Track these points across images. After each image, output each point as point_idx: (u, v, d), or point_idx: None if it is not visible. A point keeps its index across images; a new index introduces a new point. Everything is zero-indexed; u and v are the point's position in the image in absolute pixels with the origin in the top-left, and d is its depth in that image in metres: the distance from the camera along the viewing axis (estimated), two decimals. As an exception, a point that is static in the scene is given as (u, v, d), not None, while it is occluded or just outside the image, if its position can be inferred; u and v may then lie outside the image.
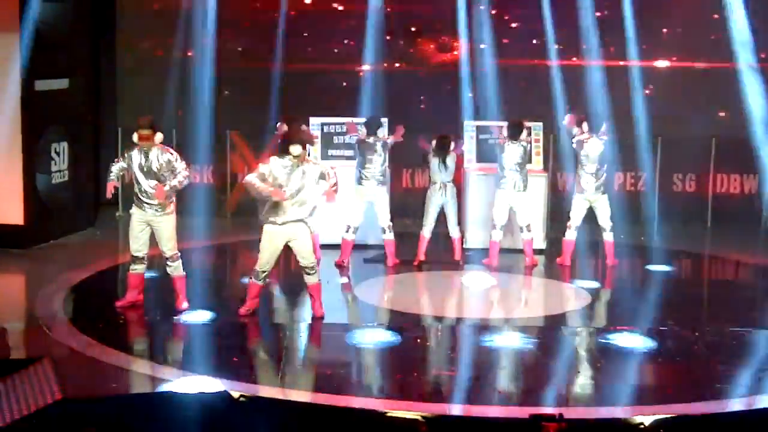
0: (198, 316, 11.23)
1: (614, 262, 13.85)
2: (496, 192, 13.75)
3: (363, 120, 14.08)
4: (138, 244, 11.31)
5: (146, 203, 11.16)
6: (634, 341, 10.78)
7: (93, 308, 11.90)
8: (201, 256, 14.52)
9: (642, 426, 7.83)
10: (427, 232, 13.89)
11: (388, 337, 10.85)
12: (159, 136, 11.12)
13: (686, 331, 11.09)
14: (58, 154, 15.23)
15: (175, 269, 11.37)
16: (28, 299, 12.34)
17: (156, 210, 11.16)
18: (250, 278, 11.20)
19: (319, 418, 8.06)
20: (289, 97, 16.82)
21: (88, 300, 12.29)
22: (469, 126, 15.13)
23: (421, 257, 13.94)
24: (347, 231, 13.70)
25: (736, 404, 8.91)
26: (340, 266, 13.63)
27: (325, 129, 14.87)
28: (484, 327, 11.31)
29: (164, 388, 9.04)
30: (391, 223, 13.80)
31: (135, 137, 11.10)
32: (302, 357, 10.65)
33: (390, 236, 13.80)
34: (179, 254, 11.39)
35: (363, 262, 13.99)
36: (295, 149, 10.78)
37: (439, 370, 10.15)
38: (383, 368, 10.24)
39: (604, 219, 13.72)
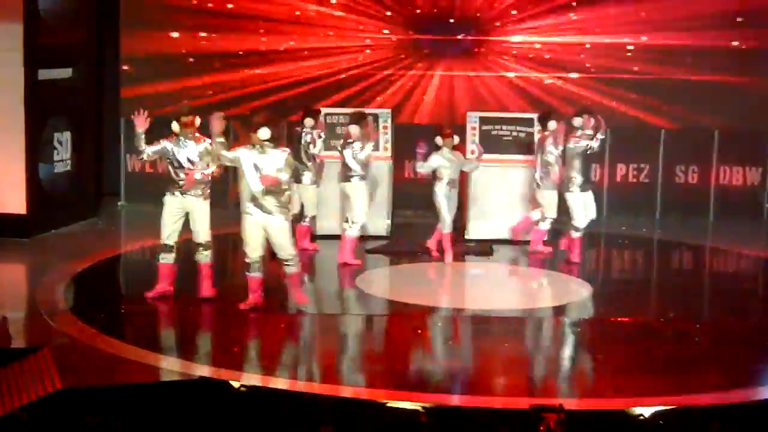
0: (199, 305, 11.24)
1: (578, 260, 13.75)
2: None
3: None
4: (169, 232, 11.23)
5: (183, 190, 11.13)
6: (635, 332, 10.78)
7: (94, 298, 11.92)
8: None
9: (642, 417, 7.85)
10: (449, 227, 13.65)
11: (388, 327, 10.84)
12: (199, 121, 11.15)
13: (687, 322, 11.08)
14: (60, 143, 15.24)
15: (206, 257, 11.32)
16: (29, 288, 12.33)
17: (194, 195, 11.13)
18: (247, 272, 11.10)
19: (319, 408, 8.07)
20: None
21: (89, 290, 12.30)
22: (472, 116, 15.07)
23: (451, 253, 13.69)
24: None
25: (736, 396, 8.90)
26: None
27: (328, 119, 14.80)
28: (484, 317, 11.30)
29: (165, 377, 9.05)
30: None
31: (175, 126, 11.06)
32: (302, 347, 10.64)
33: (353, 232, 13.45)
34: (211, 242, 11.37)
35: (365, 252, 13.95)
36: (264, 133, 10.70)
37: (440, 360, 10.15)
38: (384, 358, 10.24)
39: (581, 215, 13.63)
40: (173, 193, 11.19)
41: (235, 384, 8.23)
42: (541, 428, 7.20)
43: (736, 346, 10.41)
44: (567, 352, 10.43)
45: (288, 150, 10.92)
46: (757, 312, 11.84)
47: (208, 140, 11.22)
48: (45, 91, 14.65)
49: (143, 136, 11.01)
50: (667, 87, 16.79)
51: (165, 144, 11.13)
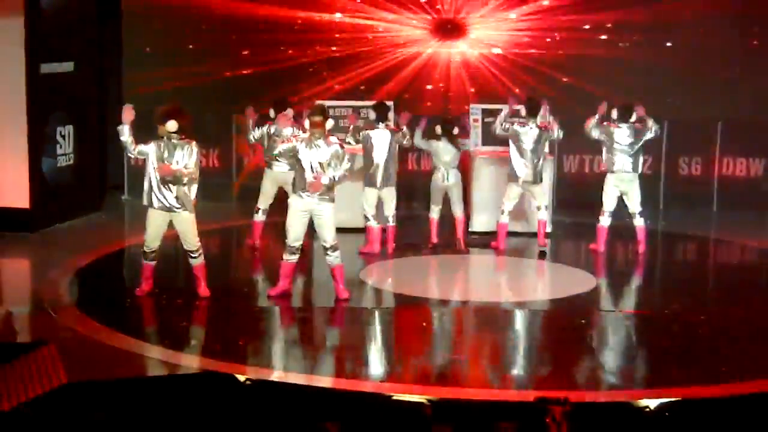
0: (204, 299, 11.24)
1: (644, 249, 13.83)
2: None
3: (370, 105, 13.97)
4: (296, 235, 11.12)
5: (307, 192, 10.99)
6: (639, 325, 10.78)
7: (99, 292, 11.92)
8: (206, 240, 14.51)
9: (647, 409, 7.85)
10: (435, 214, 13.82)
11: (393, 319, 10.84)
12: (330, 123, 11.07)
13: (691, 314, 11.08)
14: (63, 137, 15.23)
15: (335, 259, 11.21)
16: (33, 283, 12.34)
17: (318, 198, 10.98)
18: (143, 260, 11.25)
19: (324, 401, 8.08)
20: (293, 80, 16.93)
21: (93, 284, 12.29)
22: (475, 109, 15.09)
23: (435, 240, 13.90)
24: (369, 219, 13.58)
25: (741, 388, 8.90)
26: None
27: (331, 112, 14.77)
28: (489, 310, 11.30)
29: (170, 371, 9.05)
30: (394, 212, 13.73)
31: (306, 123, 11.03)
32: (307, 340, 10.64)
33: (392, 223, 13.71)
34: (338, 243, 11.27)
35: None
36: (172, 125, 10.76)
37: (445, 353, 10.15)
38: (388, 351, 10.24)
39: (634, 204, 13.76)
40: (300, 195, 11.05)
41: (241, 377, 8.23)
42: (547, 420, 7.19)
43: (740, 338, 10.41)
44: (573, 344, 10.41)
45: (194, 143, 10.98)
46: (761, 303, 11.82)
47: (339, 143, 11.16)
48: (47, 85, 14.63)
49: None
50: (668, 76, 16.82)
51: (295, 143, 11.01)
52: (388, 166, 13.36)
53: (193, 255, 11.16)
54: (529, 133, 13.43)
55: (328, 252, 11.22)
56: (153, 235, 11.05)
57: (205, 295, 11.24)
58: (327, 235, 11.15)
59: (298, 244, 11.21)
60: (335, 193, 11.16)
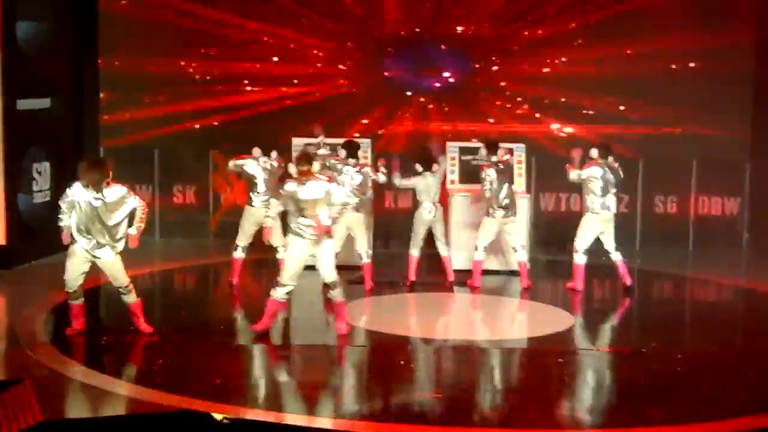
0: (178, 338, 11.18)
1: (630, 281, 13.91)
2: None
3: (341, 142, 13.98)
4: (294, 272, 11.16)
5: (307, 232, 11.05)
6: (617, 363, 10.77)
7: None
8: (183, 277, 14.47)
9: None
10: (415, 252, 13.93)
11: (372, 358, 10.81)
12: (315, 167, 11.11)
13: (669, 352, 11.09)
14: (39, 173, 15.19)
15: (338, 295, 11.26)
16: (9, 320, 12.24)
17: (317, 237, 11.04)
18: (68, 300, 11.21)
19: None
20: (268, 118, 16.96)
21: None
22: (452, 147, 15.13)
23: (412, 277, 13.96)
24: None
25: (719, 426, 8.90)
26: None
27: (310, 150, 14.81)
28: (468, 348, 11.28)
29: (147, 410, 8.99)
30: (369, 250, 13.80)
31: (294, 172, 11.02)
32: (285, 378, 10.59)
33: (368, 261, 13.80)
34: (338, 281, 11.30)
35: (347, 283, 13.91)
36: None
37: (424, 392, 10.11)
38: (367, 390, 10.20)
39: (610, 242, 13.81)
40: (300, 235, 11.05)
41: (218, 416, 8.18)
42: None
43: (718, 376, 10.42)
44: (550, 383, 10.40)
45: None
46: (737, 341, 11.86)
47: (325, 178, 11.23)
48: (24, 122, 14.61)
49: None
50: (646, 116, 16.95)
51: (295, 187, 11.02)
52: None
53: (122, 292, 11.14)
54: (495, 170, 13.56)
55: (330, 289, 11.24)
56: (75, 276, 10.99)
57: (148, 331, 11.18)
58: (327, 272, 11.19)
59: (293, 283, 11.19)
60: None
